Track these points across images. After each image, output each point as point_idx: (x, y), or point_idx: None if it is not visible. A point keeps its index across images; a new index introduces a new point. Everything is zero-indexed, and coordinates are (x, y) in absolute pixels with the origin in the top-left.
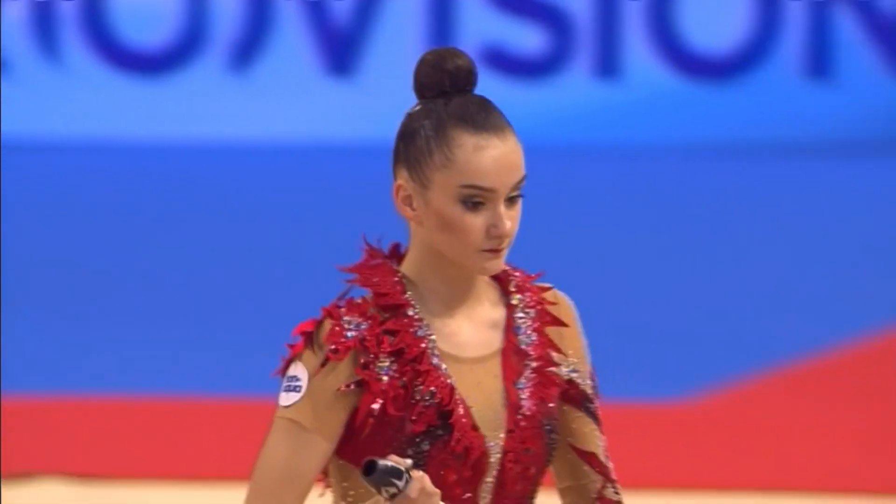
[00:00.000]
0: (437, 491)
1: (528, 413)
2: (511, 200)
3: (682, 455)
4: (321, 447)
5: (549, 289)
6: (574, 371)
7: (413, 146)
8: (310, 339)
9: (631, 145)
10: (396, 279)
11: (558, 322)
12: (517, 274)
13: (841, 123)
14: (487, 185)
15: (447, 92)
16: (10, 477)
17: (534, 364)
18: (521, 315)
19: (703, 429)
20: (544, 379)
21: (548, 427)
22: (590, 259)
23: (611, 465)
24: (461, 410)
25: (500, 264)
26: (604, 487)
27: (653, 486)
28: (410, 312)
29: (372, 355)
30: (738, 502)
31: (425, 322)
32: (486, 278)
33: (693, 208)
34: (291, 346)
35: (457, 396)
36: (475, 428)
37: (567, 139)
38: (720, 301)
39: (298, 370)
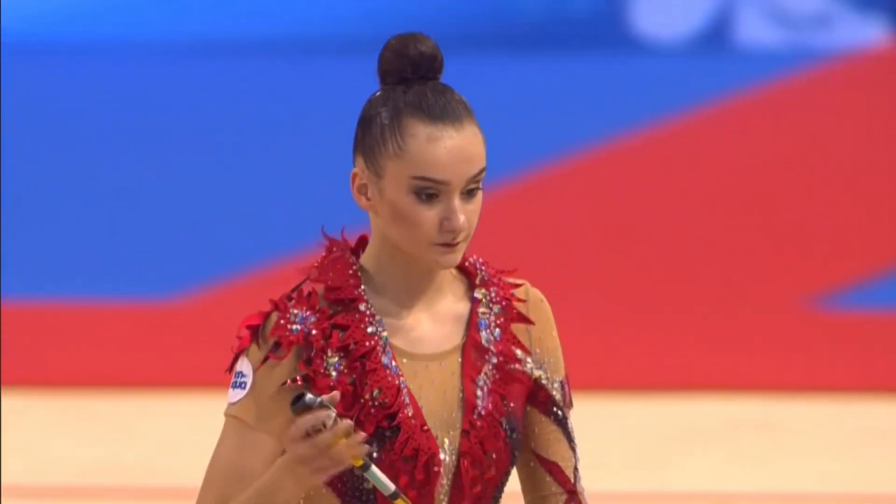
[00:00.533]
0: (364, 435)
1: (483, 412)
2: (469, 193)
3: (174, 353)
4: (267, 445)
5: (520, 285)
6: (540, 369)
7: (369, 134)
8: (255, 332)
9: (132, 41)
10: (352, 272)
11: (524, 319)
12: (486, 268)
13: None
14: (440, 178)
15: (408, 79)
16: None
17: (495, 360)
18: (484, 310)
19: (193, 326)
20: (506, 376)
21: (507, 427)
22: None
23: (581, 484)
24: (409, 411)
25: (455, 259)
26: (567, 503)
27: (139, 383)
28: (363, 307)
29: (316, 350)
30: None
31: (378, 318)
32: (453, 271)
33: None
34: (239, 340)
35: (403, 397)
36: (425, 428)
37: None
38: (212, 202)
39: (244, 366)
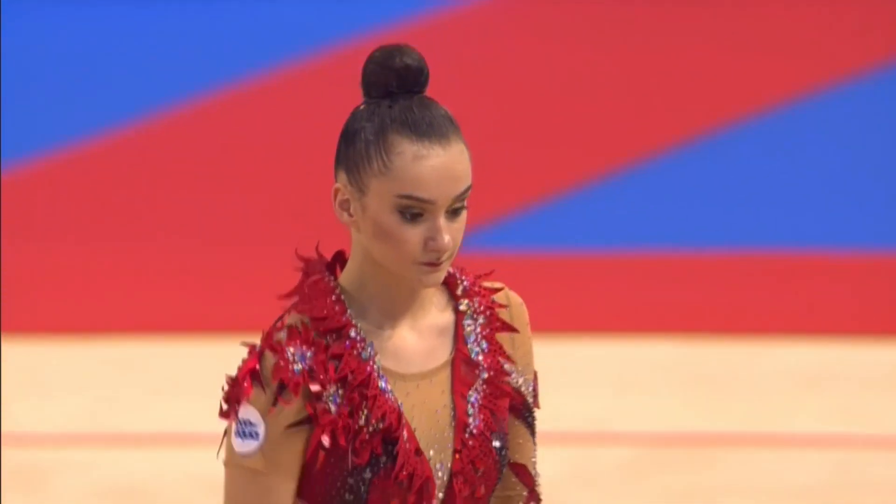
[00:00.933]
0: None
1: (475, 431)
2: (454, 212)
3: None
4: (288, 487)
5: (499, 290)
6: (521, 377)
7: (353, 149)
8: (256, 377)
9: None
10: (335, 297)
11: (509, 328)
12: (465, 277)
13: None
14: (426, 197)
15: (393, 92)
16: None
17: (485, 375)
18: (469, 322)
19: None
20: (495, 391)
21: (497, 443)
22: None
23: (538, 477)
24: (405, 434)
25: (439, 278)
26: (528, 501)
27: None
28: (353, 333)
29: (321, 387)
30: None
31: (369, 341)
32: None
33: None
34: (234, 387)
35: (404, 421)
36: (419, 452)
37: None
38: None
39: (249, 413)
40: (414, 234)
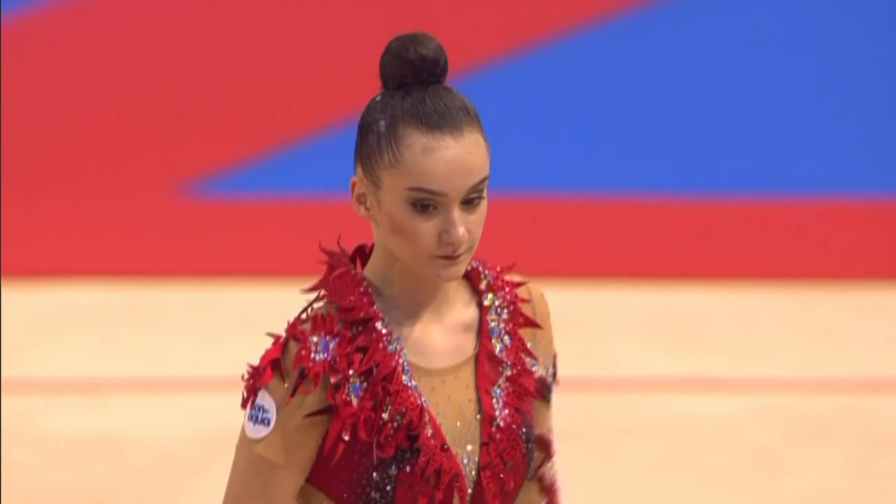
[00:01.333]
0: None
1: (502, 424)
2: (470, 203)
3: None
4: (293, 481)
5: (522, 284)
6: (543, 366)
7: (366, 142)
8: (277, 365)
9: None
10: (363, 289)
11: (532, 323)
12: (488, 270)
13: None
14: (437, 189)
15: (408, 84)
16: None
17: (509, 371)
18: (494, 317)
19: None
20: (520, 387)
21: (525, 436)
22: None
23: (553, 440)
24: (429, 431)
25: (458, 272)
26: (542, 464)
27: None
28: (379, 326)
29: (342, 377)
30: None
31: (395, 335)
32: None
33: None
34: (255, 374)
35: (426, 417)
36: (445, 448)
37: None
38: None
39: (265, 399)
40: (428, 228)
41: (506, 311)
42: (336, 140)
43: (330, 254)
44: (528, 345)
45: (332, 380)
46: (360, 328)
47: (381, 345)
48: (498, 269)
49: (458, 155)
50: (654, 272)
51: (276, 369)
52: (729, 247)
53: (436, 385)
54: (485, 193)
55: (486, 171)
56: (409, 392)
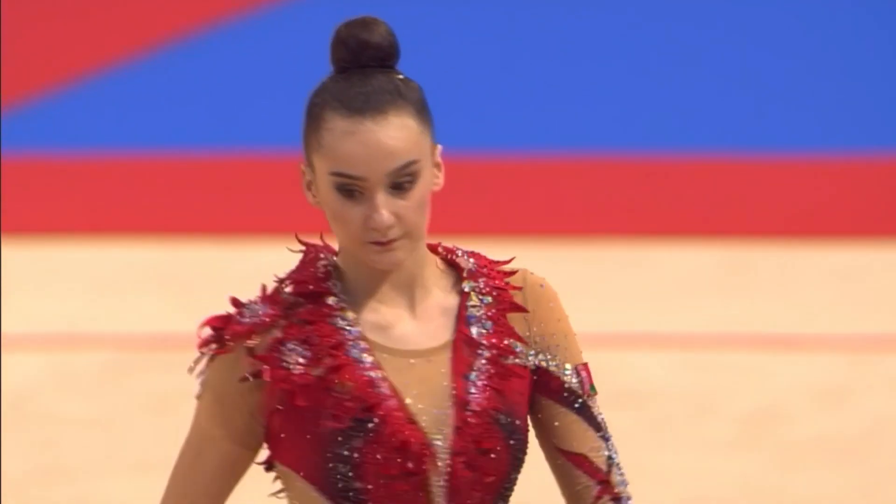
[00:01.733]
0: None
1: (477, 408)
2: (399, 188)
3: None
4: (222, 447)
5: (516, 272)
6: (542, 356)
7: (303, 126)
8: (215, 331)
9: None
10: (322, 269)
11: (517, 307)
12: (475, 259)
13: None
14: (355, 174)
15: (348, 68)
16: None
17: (488, 354)
18: (474, 302)
19: None
20: (501, 370)
21: (505, 423)
22: None
23: (616, 474)
24: (392, 403)
25: (393, 258)
26: (600, 496)
27: None
28: (331, 301)
29: (270, 341)
30: None
31: (348, 312)
32: (440, 265)
33: None
34: (199, 338)
35: (380, 390)
36: (412, 422)
37: None
38: None
39: (201, 365)
40: (355, 214)
41: (489, 296)
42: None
43: (306, 244)
44: (520, 331)
45: (251, 342)
46: (307, 302)
47: (328, 319)
48: (491, 260)
49: (379, 138)
50: None
51: (209, 332)
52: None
53: (402, 366)
54: (420, 177)
55: (412, 156)
56: (357, 365)
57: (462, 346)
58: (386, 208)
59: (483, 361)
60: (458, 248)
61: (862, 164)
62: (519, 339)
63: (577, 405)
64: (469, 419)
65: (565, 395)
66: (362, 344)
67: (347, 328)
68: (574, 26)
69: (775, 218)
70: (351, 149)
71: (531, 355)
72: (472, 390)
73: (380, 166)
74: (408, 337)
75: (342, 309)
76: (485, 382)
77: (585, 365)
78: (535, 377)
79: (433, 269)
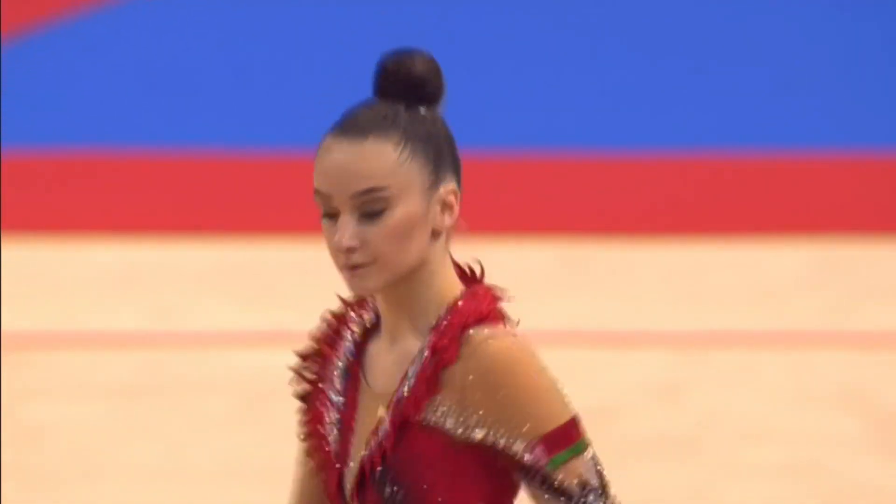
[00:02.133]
0: None
1: (370, 465)
2: (368, 216)
3: None
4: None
5: (474, 336)
6: (490, 432)
7: None
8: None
9: None
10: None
11: (433, 378)
12: (462, 304)
13: None
14: (322, 190)
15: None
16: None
17: (399, 412)
18: (418, 356)
19: None
20: (405, 426)
21: (385, 482)
22: None
23: None
24: (333, 447)
25: (362, 285)
26: None
27: None
28: (347, 334)
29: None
30: None
31: (350, 349)
32: (440, 304)
33: None
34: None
35: (326, 431)
36: (336, 467)
37: None
38: None
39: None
40: (330, 234)
41: (428, 352)
42: None
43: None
44: (452, 398)
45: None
46: (332, 333)
47: (334, 356)
48: (477, 311)
49: (350, 159)
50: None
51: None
52: None
53: (371, 408)
54: (395, 207)
55: (379, 182)
56: (328, 405)
57: (394, 401)
58: (348, 231)
59: (387, 419)
60: (487, 292)
61: (708, 161)
62: (437, 397)
63: (538, 479)
64: (367, 474)
65: (524, 472)
66: (350, 380)
67: (339, 367)
68: (576, 26)
69: (614, 215)
70: (323, 165)
71: (470, 427)
72: (371, 446)
73: (342, 186)
74: (378, 378)
75: (349, 345)
76: (381, 440)
77: (550, 435)
78: (493, 450)
79: (426, 306)
